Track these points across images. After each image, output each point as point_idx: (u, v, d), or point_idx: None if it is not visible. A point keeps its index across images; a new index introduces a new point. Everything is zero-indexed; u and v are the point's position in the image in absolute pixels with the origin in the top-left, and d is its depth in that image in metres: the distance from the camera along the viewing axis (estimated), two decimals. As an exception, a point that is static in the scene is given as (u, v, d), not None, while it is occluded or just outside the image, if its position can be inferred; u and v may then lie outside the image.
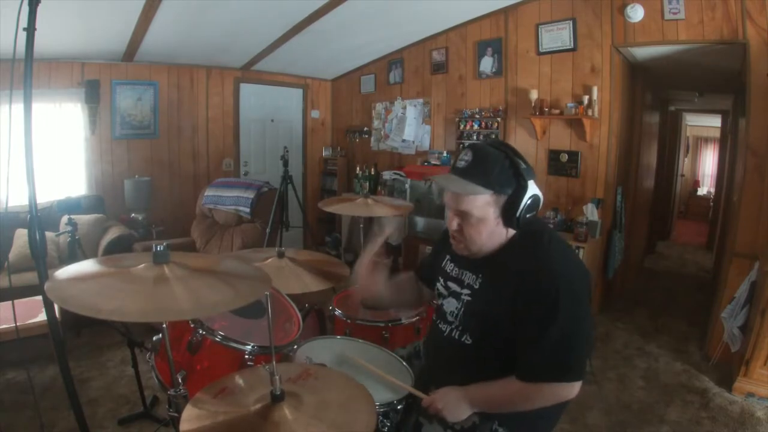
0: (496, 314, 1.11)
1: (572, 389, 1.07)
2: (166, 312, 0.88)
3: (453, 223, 1.15)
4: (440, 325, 1.27)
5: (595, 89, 3.31)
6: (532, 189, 1.10)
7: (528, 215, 1.10)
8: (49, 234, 2.06)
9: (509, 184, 1.08)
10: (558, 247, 1.14)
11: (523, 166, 1.10)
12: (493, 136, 3.97)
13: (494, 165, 1.08)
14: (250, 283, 1.03)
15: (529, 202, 1.09)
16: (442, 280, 1.30)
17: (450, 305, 1.24)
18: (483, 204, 1.09)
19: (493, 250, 1.17)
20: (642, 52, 3.40)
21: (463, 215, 1.12)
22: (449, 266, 1.29)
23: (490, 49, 3.98)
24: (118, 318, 0.82)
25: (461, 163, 1.12)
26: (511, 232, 1.15)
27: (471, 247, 1.15)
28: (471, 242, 1.14)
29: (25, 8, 1.35)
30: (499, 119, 3.92)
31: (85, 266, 1.05)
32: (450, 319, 1.24)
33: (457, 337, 1.20)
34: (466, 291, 1.20)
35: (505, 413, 1.14)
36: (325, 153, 5.83)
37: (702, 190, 9.01)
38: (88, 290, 0.91)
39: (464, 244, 1.16)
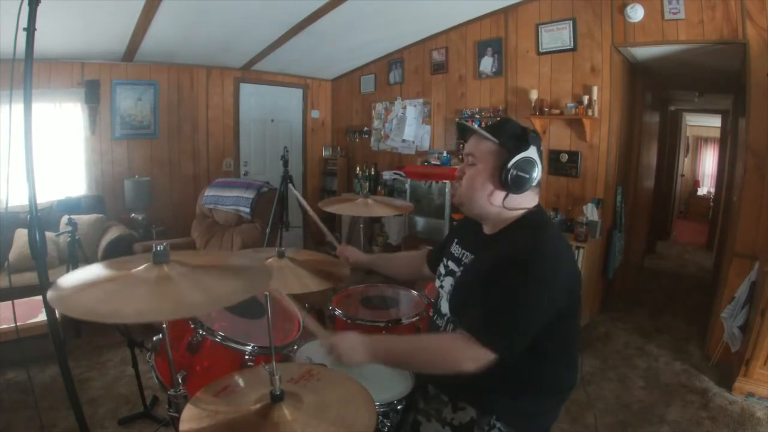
0: (477, 286, 1.10)
1: (478, 357, 1.01)
2: (175, 309, 0.87)
3: (459, 169, 1.25)
4: (437, 321, 1.29)
5: (595, 89, 3.31)
6: (530, 153, 1.14)
7: (517, 174, 1.13)
8: (49, 234, 2.06)
9: (512, 142, 1.15)
10: (555, 239, 1.15)
11: (532, 134, 1.17)
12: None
13: (507, 124, 1.20)
14: (253, 275, 1.03)
15: (520, 160, 1.13)
16: (444, 260, 1.34)
17: (447, 283, 1.26)
18: (486, 150, 1.17)
19: (483, 215, 1.21)
20: (642, 52, 3.40)
21: (469, 158, 1.21)
22: (455, 248, 1.32)
23: (490, 49, 3.98)
24: (124, 321, 0.82)
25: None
26: (501, 207, 1.18)
27: (461, 192, 1.22)
28: (465, 186, 1.20)
29: (25, 8, 1.35)
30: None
31: (88, 272, 1.04)
32: (444, 311, 1.25)
33: (450, 331, 1.21)
34: (460, 269, 1.23)
35: (504, 407, 1.13)
36: (325, 153, 5.83)
37: (702, 190, 9.02)
38: (92, 297, 0.91)
39: (459, 190, 1.23)
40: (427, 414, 1.20)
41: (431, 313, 1.36)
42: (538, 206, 1.22)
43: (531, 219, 1.19)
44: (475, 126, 1.22)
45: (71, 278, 0.97)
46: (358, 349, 1.09)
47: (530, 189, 1.16)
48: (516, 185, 1.14)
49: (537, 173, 1.15)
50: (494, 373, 1.06)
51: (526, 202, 1.19)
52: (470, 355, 1.01)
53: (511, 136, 1.16)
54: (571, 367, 1.21)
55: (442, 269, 1.33)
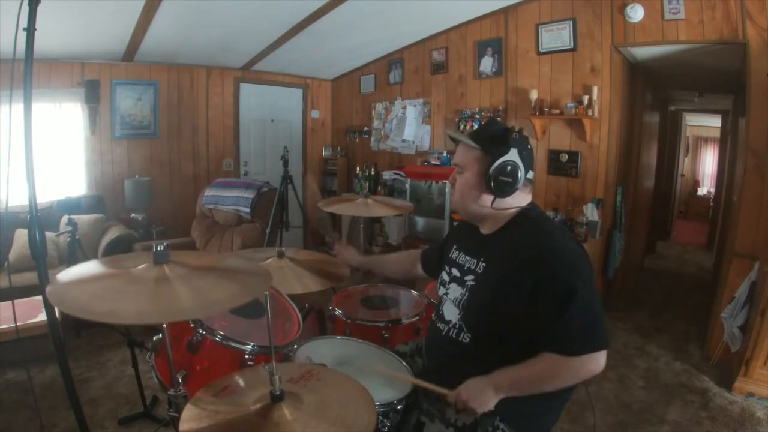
0: (501, 300, 1.12)
1: (602, 360, 1.08)
2: (170, 312, 0.87)
3: (451, 177, 1.31)
4: (438, 325, 1.29)
5: (595, 89, 3.31)
6: (510, 156, 1.16)
7: (500, 178, 1.16)
8: (49, 234, 2.06)
9: (495, 147, 1.17)
10: (561, 233, 1.18)
11: (515, 135, 1.19)
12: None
13: (490, 128, 1.24)
14: (251, 279, 1.03)
15: (500, 164, 1.15)
16: (447, 267, 1.34)
17: (454, 292, 1.26)
18: (471, 158, 1.22)
19: (479, 218, 1.25)
20: (642, 52, 3.40)
21: (458, 167, 1.26)
22: (454, 254, 1.33)
23: (490, 49, 3.98)
24: (119, 321, 0.81)
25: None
26: (489, 204, 1.20)
27: (455, 200, 1.29)
28: (457, 194, 1.27)
29: (25, 8, 1.35)
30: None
31: (87, 268, 1.04)
32: (447, 318, 1.25)
33: (454, 336, 1.22)
34: (469, 276, 1.22)
35: (507, 408, 1.13)
36: (325, 153, 5.83)
37: (702, 190, 9.01)
38: (89, 293, 0.91)
39: (453, 198, 1.30)
40: (431, 415, 1.20)
41: (432, 317, 1.36)
42: (531, 204, 1.23)
43: (527, 216, 1.21)
44: (460, 134, 1.26)
45: (70, 273, 0.97)
46: (485, 392, 1.09)
47: (519, 189, 1.17)
48: (499, 189, 1.16)
49: (520, 175, 1.16)
50: None
51: (517, 201, 1.21)
52: (596, 365, 1.09)
53: (493, 140, 1.18)
54: None
55: (445, 276, 1.33)
